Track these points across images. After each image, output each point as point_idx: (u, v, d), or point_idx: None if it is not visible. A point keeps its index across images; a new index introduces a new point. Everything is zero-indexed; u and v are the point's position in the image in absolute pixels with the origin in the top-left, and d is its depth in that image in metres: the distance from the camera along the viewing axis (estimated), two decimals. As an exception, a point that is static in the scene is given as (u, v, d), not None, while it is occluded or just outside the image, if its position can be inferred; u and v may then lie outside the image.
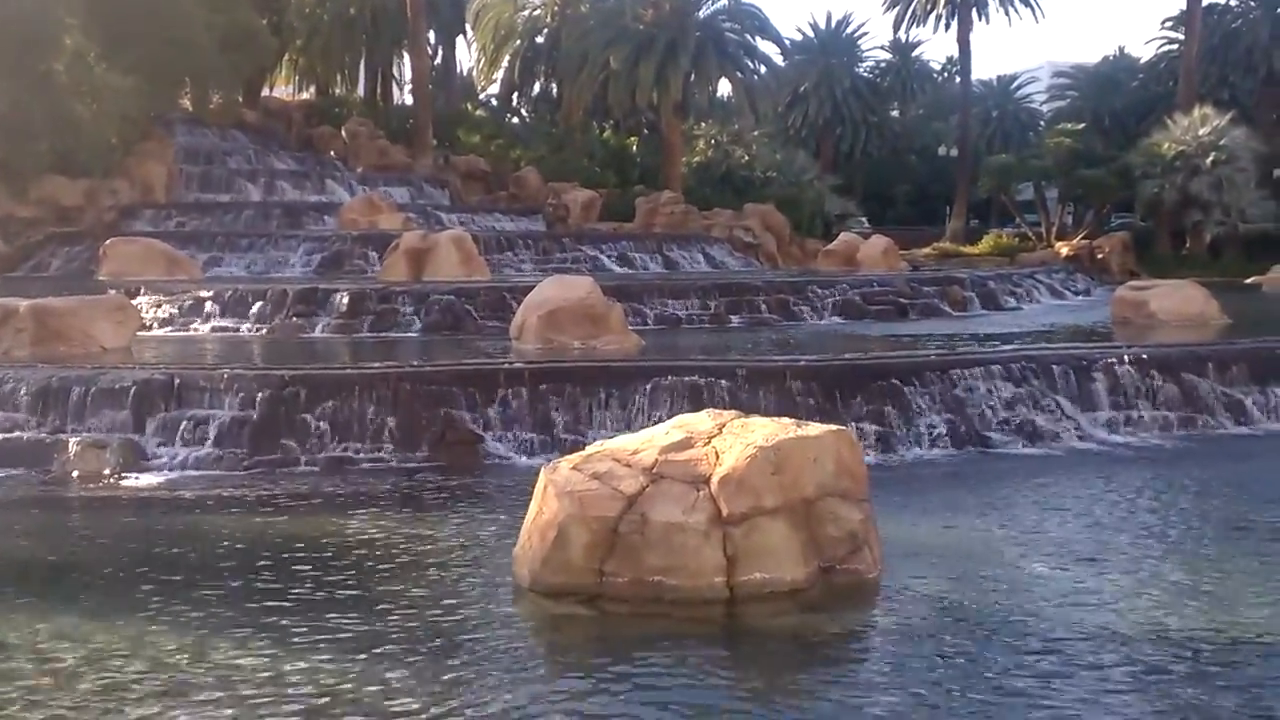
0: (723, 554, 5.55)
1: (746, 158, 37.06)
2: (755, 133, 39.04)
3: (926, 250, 38.74)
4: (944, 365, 10.81)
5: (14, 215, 20.57)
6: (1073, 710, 4.38)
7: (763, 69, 38.05)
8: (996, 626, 5.30)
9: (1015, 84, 55.77)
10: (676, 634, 5.17)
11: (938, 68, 59.13)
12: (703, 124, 39.00)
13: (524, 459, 9.25)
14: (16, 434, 9.20)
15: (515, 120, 43.07)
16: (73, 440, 9.02)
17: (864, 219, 44.78)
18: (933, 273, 24.01)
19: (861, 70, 54.56)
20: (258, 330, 14.20)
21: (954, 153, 49.34)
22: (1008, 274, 23.58)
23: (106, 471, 8.76)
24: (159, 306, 14.60)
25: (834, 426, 6.22)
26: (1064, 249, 35.26)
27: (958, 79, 49.17)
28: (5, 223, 20.36)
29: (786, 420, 6.18)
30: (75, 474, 8.76)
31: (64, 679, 4.61)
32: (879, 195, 52.54)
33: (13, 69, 19.44)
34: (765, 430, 5.89)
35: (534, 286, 13.08)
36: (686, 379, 9.99)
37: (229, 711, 4.28)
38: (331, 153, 31.37)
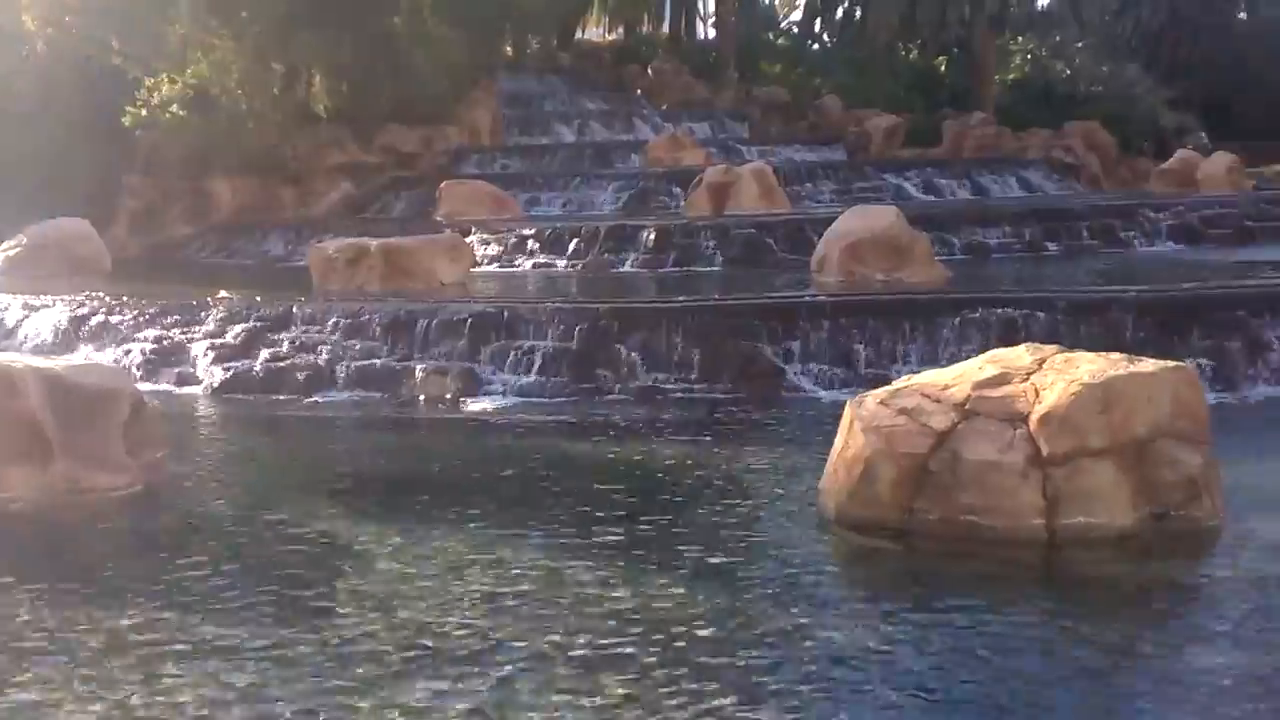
0: (1041, 495, 5.34)
1: (1068, 72, 34.29)
2: (1079, 44, 36.01)
3: (1280, 167, 34.42)
4: (1302, 296, 9.69)
5: (361, 161, 22.70)
6: None
7: (1089, -27, 34.96)
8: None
9: (1400, -30, 47.87)
10: (992, 574, 5.06)
11: (1300, -43, 51.80)
12: (1019, 38, 36.42)
13: (825, 392, 9.25)
14: (372, 360, 10.32)
15: (816, 47, 42.17)
16: (419, 367, 10.00)
17: (1204, 134, 40.32)
18: (1288, 192, 21.33)
19: (1205, -34, 48.78)
20: (573, 266, 14.98)
21: (1318, 54, 43.19)
22: (1383, 191, 20.51)
23: (448, 395, 9.65)
24: (487, 244, 15.69)
25: (1171, 363, 5.78)
26: None
27: (1326, -32, 42.89)
28: (354, 168, 22.55)
29: (1116, 356, 5.80)
30: (421, 397, 9.72)
31: (410, 586, 5.11)
32: (1222, 107, 46.95)
33: (358, 25, 21.26)
34: (1092, 366, 5.56)
35: (835, 218, 12.88)
36: (998, 312, 9.55)
37: (545, 619, 4.60)
38: (638, 91, 32.11)
